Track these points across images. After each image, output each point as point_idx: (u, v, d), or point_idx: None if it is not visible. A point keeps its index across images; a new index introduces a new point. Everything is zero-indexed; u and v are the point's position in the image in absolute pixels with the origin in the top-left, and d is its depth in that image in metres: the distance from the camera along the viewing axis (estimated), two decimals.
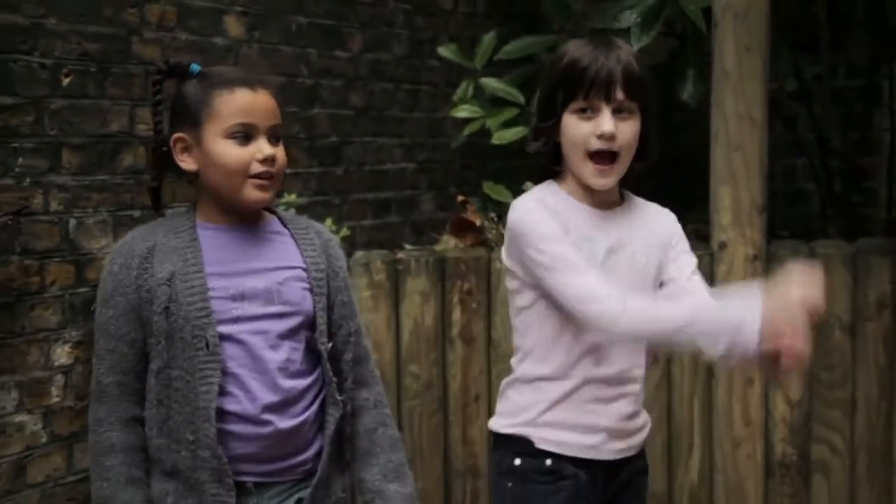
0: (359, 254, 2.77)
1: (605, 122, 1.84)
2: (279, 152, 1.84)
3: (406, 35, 3.94)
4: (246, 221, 1.88)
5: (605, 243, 1.90)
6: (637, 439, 1.96)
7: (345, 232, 3.02)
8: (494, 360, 2.72)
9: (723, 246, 2.74)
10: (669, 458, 2.78)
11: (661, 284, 1.96)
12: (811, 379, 2.77)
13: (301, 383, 1.85)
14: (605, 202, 1.93)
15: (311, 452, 1.87)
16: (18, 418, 2.55)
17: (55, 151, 2.63)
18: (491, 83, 3.37)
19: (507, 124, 3.25)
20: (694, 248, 2.74)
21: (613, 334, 1.83)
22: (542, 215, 1.87)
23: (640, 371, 1.94)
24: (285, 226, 1.94)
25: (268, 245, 1.89)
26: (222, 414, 1.79)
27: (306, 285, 1.88)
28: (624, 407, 1.92)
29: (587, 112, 1.85)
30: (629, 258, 1.92)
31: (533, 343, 1.92)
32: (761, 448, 2.77)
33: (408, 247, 3.04)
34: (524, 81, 3.40)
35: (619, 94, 1.84)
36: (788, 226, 3.58)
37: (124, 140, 2.80)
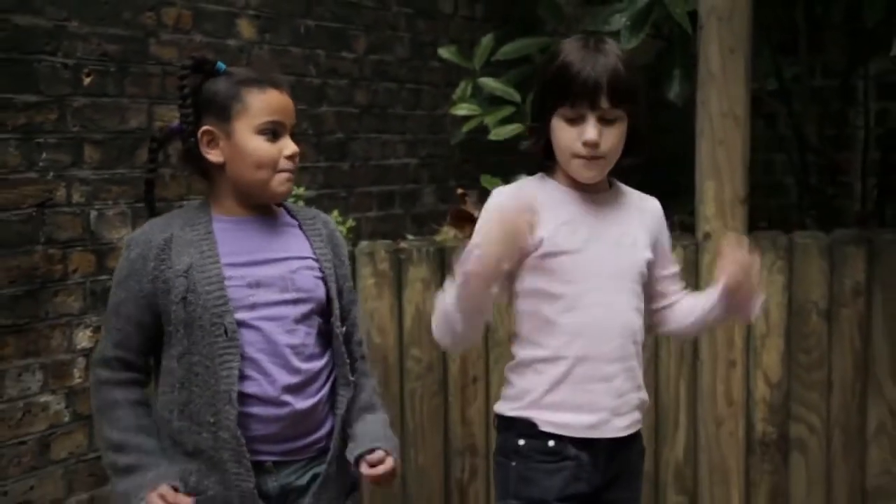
0: (363, 244, 2.76)
1: (590, 130, 1.80)
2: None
3: (408, 37, 3.93)
4: (259, 214, 1.88)
5: (589, 226, 1.88)
6: (638, 415, 1.93)
7: (350, 223, 3.01)
8: (492, 345, 2.72)
9: (707, 236, 2.74)
10: (656, 436, 2.78)
11: (650, 270, 1.94)
12: (790, 361, 2.77)
13: (316, 365, 1.86)
14: (594, 190, 1.92)
15: (324, 431, 1.88)
16: (43, 398, 2.55)
17: (77, 147, 2.62)
18: (488, 83, 3.36)
19: (504, 121, 3.24)
20: (680, 238, 2.76)
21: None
22: (490, 219, 1.84)
23: (636, 347, 1.91)
24: (294, 217, 1.93)
25: (280, 236, 1.89)
26: (243, 397, 1.79)
27: (318, 273, 1.88)
28: (623, 383, 1.89)
29: (574, 119, 1.82)
30: (616, 236, 1.90)
31: (528, 328, 1.91)
32: (743, 427, 2.77)
33: (410, 237, 3.04)
34: (520, 81, 3.40)
35: (604, 103, 1.79)
36: (768, 217, 3.58)
37: (142, 136, 2.79)
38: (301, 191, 3.00)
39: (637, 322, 1.92)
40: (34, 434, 2.53)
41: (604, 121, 1.81)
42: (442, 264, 2.69)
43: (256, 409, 1.79)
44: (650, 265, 1.94)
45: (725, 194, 2.72)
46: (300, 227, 1.92)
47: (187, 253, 1.79)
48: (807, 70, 3.54)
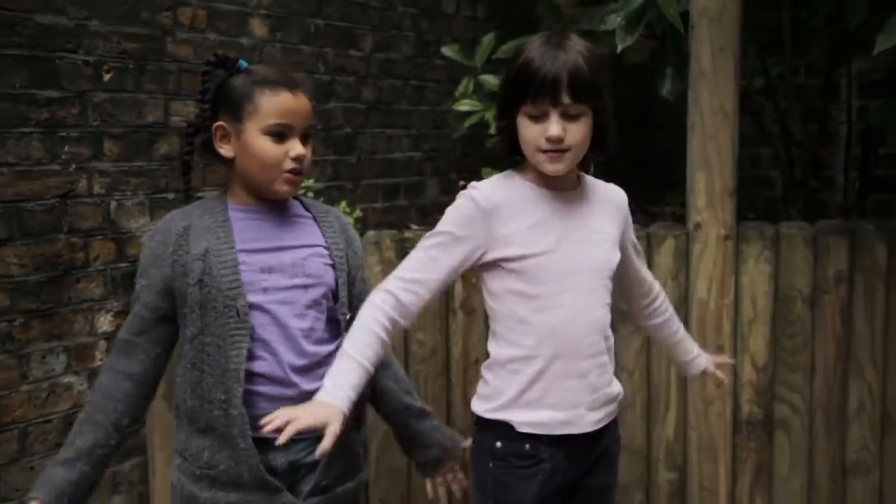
0: (370, 233, 2.74)
1: (553, 126, 1.73)
2: (308, 151, 1.83)
3: (413, 36, 3.91)
4: (272, 205, 1.86)
5: (561, 225, 1.81)
6: (612, 407, 1.89)
7: (358, 213, 3.00)
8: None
9: (698, 226, 2.72)
10: (648, 416, 2.76)
11: (622, 263, 1.91)
12: (775, 346, 2.75)
13: (324, 349, 1.84)
14: (562, 186, 1.84)
15: None
16: (66, 379, 2.54)
17: (97, 140, 2.60)
18: (489, 80, 3.34)
19: None
20: (672, 228, 2.74)
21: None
22: (457, 215, 1.80)
23: (606, 342, 1.86)
24: (308, 210, 1.92)
25: (292, 226, 1.87)
26: (253, 376, 1.78)
27: (328, 261, 1.87)
28: (596, 378, 1.84)
29: (537, 116, 1.74)
30: (587, 234, 1.84)
31: (502, 327, 1.84)
32: (730, 407, 2.76)
33: (414, 227, 3.02)
34: None
35: (566, 99, 1.72)
36: (755, 208, 3.56)
37: (159, 130, 2.78)
38: (310, 183, 2.98)
39: (607, 318, 1.86)
40: (58, 413, 2.52)
41: (567, 116, 1.74)
42: None
43: (265, 388, 1.79)
44: (622, 259, 1.90)
45: (715, 186, 2.70)
46: (314, 219, 1.91)
47: (205, 238, 1.79)
48: (792, 69, 3.51)
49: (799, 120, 3.46)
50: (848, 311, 2.75)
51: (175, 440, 1.91)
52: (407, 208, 3.91)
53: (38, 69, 2.43)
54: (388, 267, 2.67)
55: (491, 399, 1.87)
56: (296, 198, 1.92)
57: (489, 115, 3.24)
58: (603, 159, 1.86)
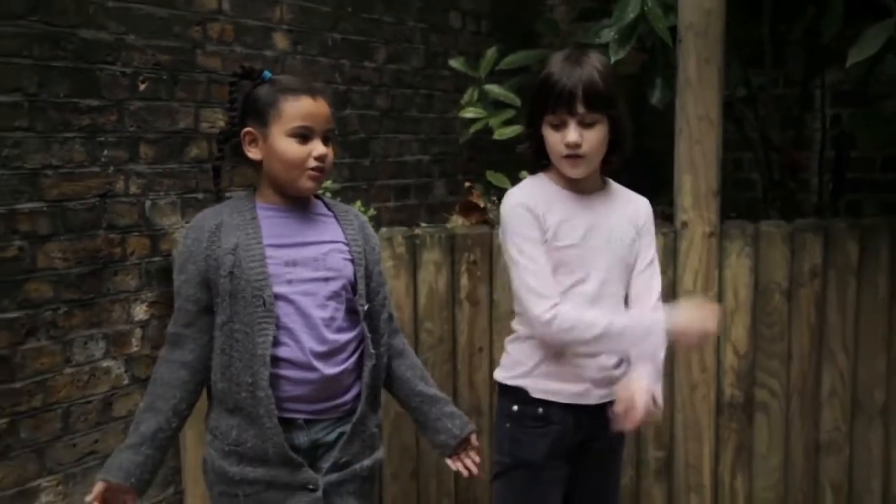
0: (383, 230, 2.76)
1: (570, 133, 1.81)
2: (330, 151, 1.84)
3: (422, 49, 3.92)
4: (297, 204, 1.88)
5: (585, 222, 1.88)
6: (616, 388, 1.93)
7: (371, 212, 3.01)
8: (496, 319, 2.72)
9: (685, 224, 2.73)
10: None
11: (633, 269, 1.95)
12: (755, 334, 2.77)
13: (343, 337, 1.86)
14: (587, 188, 1.91)
15: (350, 395, 1.88)
16: (105, 364, 2.56)
17: (134, 145, 2.62)
18: (493, 89, 3.35)
19: (506, 123, 3.23)
20: (660, 226, 2.76)
21: (548, 335, 1.83)
22: (525, 219, 1.85)
23: None
24: (329, 209, 1.94)
25: (315, 223, 1.89)
26: (278, 360, 1.79)
27: (347, 256, 1.89)
28: (606, 360, 1.91)
29: (557, 124, 1.83)
30: (607, 233, 1.90)
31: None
32: (714, 391, 2.77)
33: (423, 225, 3.03)
34: (520, 87, 3.38)
35: (581, 109, 1.80)
36: (737, 208, 3.57)
37: (190, 136, 2.79)
38: (329, 183, 3.00)
39: (620, 307, 1.93)
40: (98, 394, 2.54)
41: (584, 124, 1.81)
42: (452, 249, 2.69)
43: (289, 372, 1.80)
44: (635, 258, 1.95)
45: (701, 188, 2.72)
46: (335, 217, 1.92)
47: (235, 234, 1.81)
48: (771, 80, 3.53)
49: (777, 127, 3.47)
50: (822, 303, 2.77)
51: (204, 419, 1.93)
52: (417, 207, 3.92)
53: (81, 80, 2.45)
54: (399, 261, 2.70)
55: (511, 368, 1.96)
56: (318, 198, 1.94)
57: (493, 122, 3.25)
58: (622, 161, 1.92)
